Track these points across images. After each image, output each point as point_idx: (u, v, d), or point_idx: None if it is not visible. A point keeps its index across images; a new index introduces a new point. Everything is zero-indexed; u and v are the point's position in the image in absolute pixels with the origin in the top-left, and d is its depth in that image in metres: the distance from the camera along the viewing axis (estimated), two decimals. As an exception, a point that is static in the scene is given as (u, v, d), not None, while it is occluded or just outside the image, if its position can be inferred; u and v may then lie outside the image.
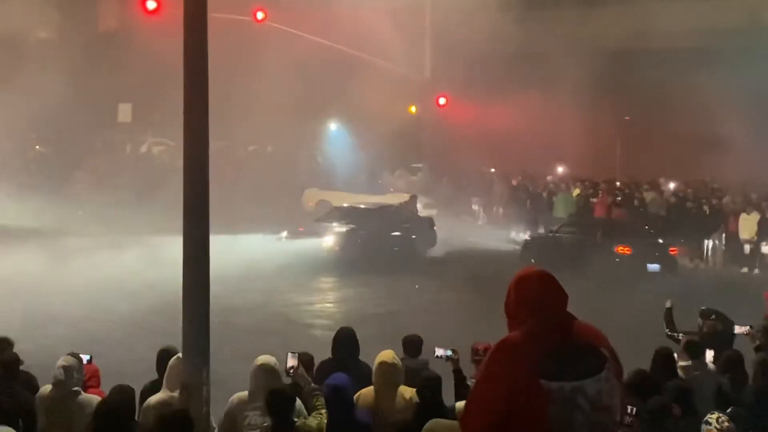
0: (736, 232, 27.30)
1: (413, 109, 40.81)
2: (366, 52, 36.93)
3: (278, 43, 34.93)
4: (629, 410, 7.37)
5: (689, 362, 10.03)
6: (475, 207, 35.47)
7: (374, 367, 8.51)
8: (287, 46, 34.73)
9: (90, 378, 9.13)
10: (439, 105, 39.77)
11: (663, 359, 9.47)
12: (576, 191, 31.94)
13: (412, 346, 9.98)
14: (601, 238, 25.02)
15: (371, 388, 8.43)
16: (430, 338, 10.10)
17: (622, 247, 24.35)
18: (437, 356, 9.13)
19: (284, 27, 35.61)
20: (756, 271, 26.41)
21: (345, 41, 36.19)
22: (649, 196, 30.35)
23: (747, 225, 26.90)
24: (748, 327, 11.05)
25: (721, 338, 11.13)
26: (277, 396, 7.23)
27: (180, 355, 8.16)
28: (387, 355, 8.51)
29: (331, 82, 36.99)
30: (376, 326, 16.14)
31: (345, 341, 9.53)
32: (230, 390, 8.16)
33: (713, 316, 11.48)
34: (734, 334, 11.15)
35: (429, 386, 7.84)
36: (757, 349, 10.52)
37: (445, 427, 5.93)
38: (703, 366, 10.11)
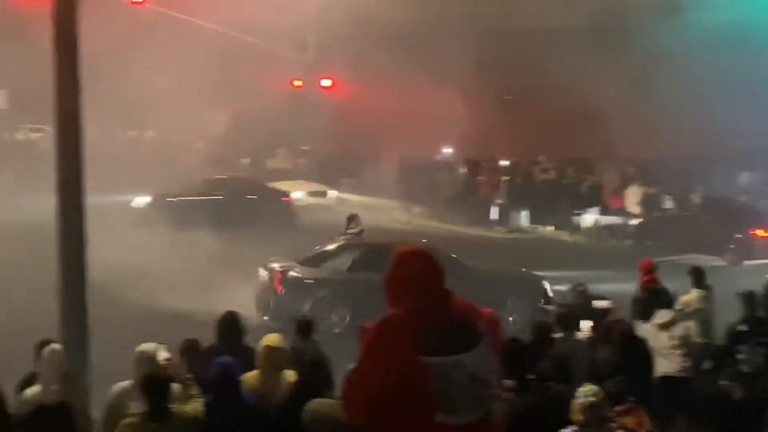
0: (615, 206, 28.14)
1: (297, 82, 40.51)
2: (249, 35, 36.56)
3: (158, 27, 34.30)
4: (506, 384, 7.54)
5: (561, 334, 10.35)
6: None
7: (258, 350, 8.48)
8: (167, 29, 34.12)
9: None
10: (323, 87, 39.64)
11: (540, 332, 9.70)
12: (462, 170, 32.29)
13: (304, 327, 9.94)
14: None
15: (256, 371, 8.40)
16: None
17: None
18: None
19: (164, 9, 34.96)
20: (629, 242, 27.23)
21: (227, 24, 35.74)
22: (545, 174, 31.02)
23: (633, 199, 27.75)
24: (609, 301, 11.43)
25: (595, 310, 11.52)
26: (150, 381, 7.12)
27: (54, 346, 7.96)
28: (271, 338, 8.47)
29: (212, 66, 36.48)
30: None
31: (228, 325, 9.45)
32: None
33: (581, 287, 11.83)
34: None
35: (306, 367, 7.84)
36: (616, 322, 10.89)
37: (327, 406, 5.92)
38: (574, 337, 10.45)
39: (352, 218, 20.79)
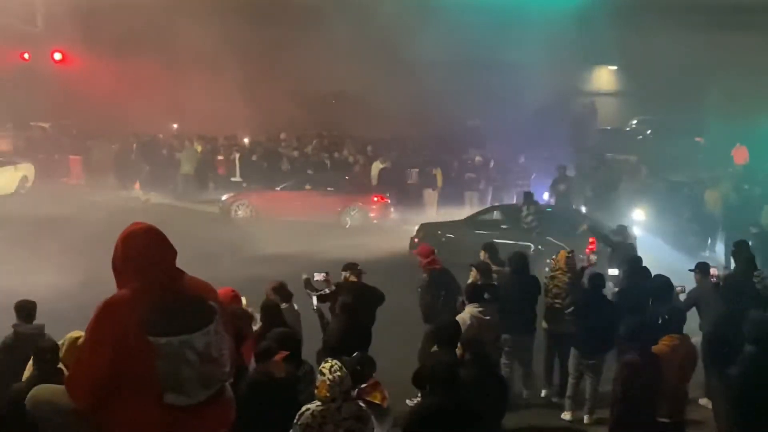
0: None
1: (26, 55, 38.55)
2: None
3: None
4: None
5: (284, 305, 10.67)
6: None
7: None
8: None
9: None
10: (54, 60, 37.93)
11: (270, 309, 9.87)
12: (198, 147, 31.81)
13: (24, 311, 9.53)
14: None
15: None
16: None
17: None
18: (316, 280, 11.42)
19: None
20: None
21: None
22: (288, 151, 31.30)
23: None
24: (324, 273, 11.73)
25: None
26: None
27: None
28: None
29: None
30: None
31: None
32: None
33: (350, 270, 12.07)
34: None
35: (46, 352, 7.54)
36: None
37: (50, 391, 5.67)
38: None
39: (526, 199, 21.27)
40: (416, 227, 22.44)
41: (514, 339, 12.18)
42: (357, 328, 10.54)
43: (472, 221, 22.16)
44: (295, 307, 10.90)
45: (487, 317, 11.06)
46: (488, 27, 31.44)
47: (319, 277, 11.61)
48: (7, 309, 9.47)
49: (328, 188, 27.27)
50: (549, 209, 22.84)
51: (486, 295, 11.60)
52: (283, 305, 10.54)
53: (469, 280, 12.32)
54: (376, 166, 28.82)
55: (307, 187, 27.45)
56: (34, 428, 5.59)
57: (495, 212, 22.98)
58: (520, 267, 12.90)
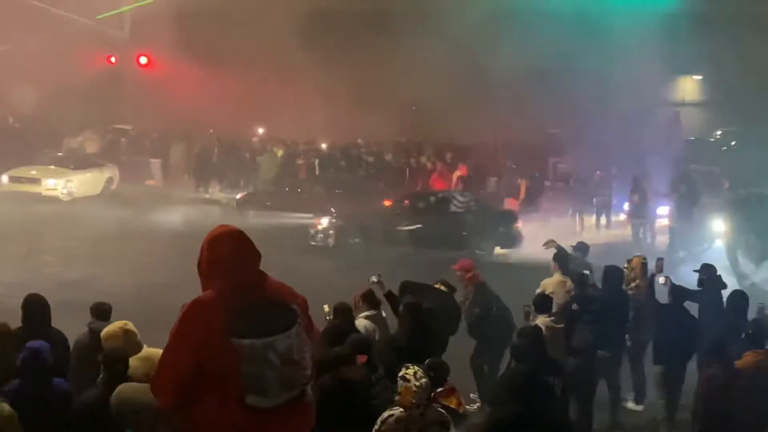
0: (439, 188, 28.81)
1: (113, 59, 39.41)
2: (61, 7, 35.26)
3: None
4: None
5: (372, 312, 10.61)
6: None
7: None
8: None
9: None
10: (140, 64, 38.70)
11: (343, 313, 9.87)
12: (279, 152, 32.06)
13: (99, 312, 9.67)
14: None
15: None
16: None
17: None
18: (371, 282, 11.12)
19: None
20: None
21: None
22: (368, 157, 31.49)
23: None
24: (377, 275, 11.58)
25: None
26: None
27: None
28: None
29: (22, 39, 34.98)
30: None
31: (35, 309, 9.11)
32: None
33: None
34: None
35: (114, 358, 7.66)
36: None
37: (134, 390, 5.80)
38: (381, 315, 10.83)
39: None
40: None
41: (609, 357, 11.75)
42: (424, 330, 10.34)
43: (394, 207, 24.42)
44: (383, 314, 10.91)
45: (560, 325, 10.94)
46: (571, 35, 31.16)
47: (372, 278, 11.54)
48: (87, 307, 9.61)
49: (337, 190, 27.03)
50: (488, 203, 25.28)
51: (574, 306, 11.47)
52: (372, 312, 10.57)
53: (563, 290, 12.18)
54: (457, 174, 28.79)
55: (317, 188, 27.39)
56: (119, 425, 5.70)
57: (419, 201, 25.28)
58: (616, 282, 12.25)
